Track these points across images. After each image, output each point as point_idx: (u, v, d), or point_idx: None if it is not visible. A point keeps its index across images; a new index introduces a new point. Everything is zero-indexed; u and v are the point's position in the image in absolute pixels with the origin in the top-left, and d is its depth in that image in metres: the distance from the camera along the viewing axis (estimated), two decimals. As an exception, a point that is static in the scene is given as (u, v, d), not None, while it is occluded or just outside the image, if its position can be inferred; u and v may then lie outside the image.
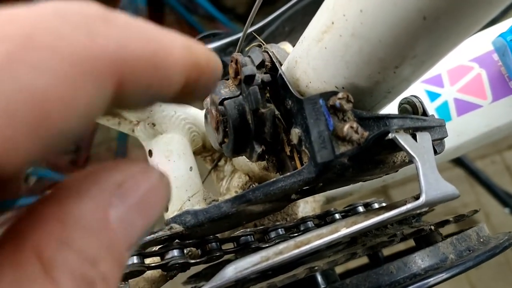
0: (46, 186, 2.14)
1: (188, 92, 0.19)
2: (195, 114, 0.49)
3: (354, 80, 0.31)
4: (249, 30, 0.57)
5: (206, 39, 0.58)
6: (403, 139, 0.31)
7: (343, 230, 0.31)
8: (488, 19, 0.26)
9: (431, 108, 0.55)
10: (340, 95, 0.31)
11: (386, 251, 0.49)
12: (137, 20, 0.18)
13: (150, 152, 0.48)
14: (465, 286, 1.74)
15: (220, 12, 2.12)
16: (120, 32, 0.16)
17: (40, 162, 0.15)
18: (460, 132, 0.54)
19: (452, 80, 0.54)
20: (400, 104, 0.40)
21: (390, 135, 0.31)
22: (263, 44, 0.43)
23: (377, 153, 0.34)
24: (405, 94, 0.41)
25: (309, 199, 0.52)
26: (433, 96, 0.55)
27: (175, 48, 0.18)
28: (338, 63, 0.31)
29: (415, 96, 0.39)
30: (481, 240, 0.40)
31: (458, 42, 0.28)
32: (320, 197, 0.54)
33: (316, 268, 0.32)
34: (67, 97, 0.14)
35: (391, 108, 0.41)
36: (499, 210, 1.82)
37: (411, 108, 0.38)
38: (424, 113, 0.38)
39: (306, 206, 0.52)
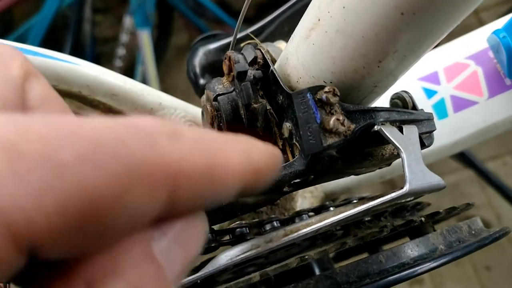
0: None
1: (244, 193, 0.20)
2: (195, 111, 0.51)
3: (341, 74, 0.33)
4: (249, 30, 0.58)
5: (207, 40, 0.60)
6: (389, 131, 0.32)
7: (330, 218, 0.32)
8: (464, 15, 0.27)
9: (428, 105, 0.55)
10: (326, 89, 0.32)
11: (387, 246, 0.50)
12: (203, 132, 0.19)
13: (151, 149, 0.49)
14: (476, 287, 1.73)
15: (228, 15, 2.14)
16: (182, 145, 0.17)
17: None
18: (457, 129, 0.55)
19: (448, 77, 0.55)
20: (391, 99, 0.40)
21: (376, 127, 0.32)
22: (259, 43, 0.44)
23: (365, 146, 0.35)
24: (398, 89, 0.42)
25: (307, 194, 0.54)
26: (430, 93, 0.56)
27: (235, 158, 0.19)
28: (325, 58, 0.32)
29: (406, 92, 0.39)
30: (473, 232, 0.40)
31: (437, 37, 0.29)
32: (318, 192, 0.55)
33: (306, 257, 0.34)
34: (119, 198, 0.15)
35: (384, 104, 0.42)
36: (511, 212, 1.81)
37: (401, 103, 0.39)
38: (414, 107, 0.39)
39: (304, 202, 0.53)
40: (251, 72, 0.37)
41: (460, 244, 0.38)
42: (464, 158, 1.61)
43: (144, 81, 2.00)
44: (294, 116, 0.33)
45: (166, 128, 0.18)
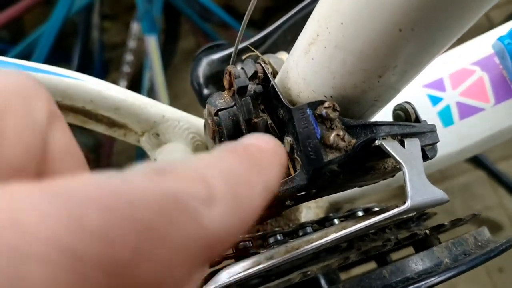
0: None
1: None
2: (198, 123, 0.51)
3: (341, 89, 0.32)
4: (251, 41, 0.58)
5: (210, 50, 0.60)
6: (390, 146, 0.32)
7: (332, 235, 0.31)
8: (464, 29, 0.27)
9: (433, 112, 0.55)
10: (326, 104, 0.32)
11: (396, 255, 0.49)
12: (229, 176, 0.20)
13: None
14: (490, 290, 1.71)
15: (235, 19, 2.15)
16: (218, 212, 0.18)
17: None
18: (463, 136, 0.54)
19: (454, 84, 0.55)
20: (394, 110, 0.40)
21: (377, 142, 0.32)
22: (260, 56, 0.44)
23: (367, 160, 0.34)
24: (400, 100, 0.42)
25: (312, 204, 0.53)
26: (435, 100, 0.55)
27: (259, 197, 0.21)
28: (325, 73, 0.32)
29: (408, 103, 0.39)
30: (479, 244, 0.40)
31: (437, 51, 0.29)
32: (323, 202, 0.55)
33: (309, 273, 0.33)
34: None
35: (387, 115, 0.41)
36: (523, 213, 1.79)
37: (404, 115, 0.39)
38: (417, 119, 0.38)
39: (309, 212, 0.52)
40: (252, 87, 0.37)
41: (466, 257, 0.37)
42: (475, 159, 1.60)
43: (152, 86, 2.01)
44: (295, 131, 0.33)
45: (201, 192, 0.18)
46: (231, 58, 0.40)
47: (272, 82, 0.36)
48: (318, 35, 0.31)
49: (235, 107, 0.37)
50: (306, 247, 0.31)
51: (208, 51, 0.61)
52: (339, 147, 0.31)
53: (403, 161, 0.32)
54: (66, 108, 0.45)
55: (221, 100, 0.38)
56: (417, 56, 0.29)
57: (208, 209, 0.18)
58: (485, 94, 0.53)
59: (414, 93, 0.56)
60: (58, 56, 2.38)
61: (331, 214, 0.45)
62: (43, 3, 2.09)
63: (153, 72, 1.96)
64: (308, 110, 0.32)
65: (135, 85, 2.22)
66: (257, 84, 0.37)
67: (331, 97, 0.33)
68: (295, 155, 0.34)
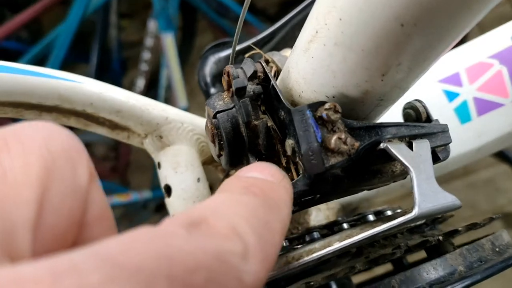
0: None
1: None
2: (203, 124, 0.49)
3: (343, 89, 0.30)
4: (260, 37, 0.56)
5: (217, 48, 0.58)
6: (397, 149, 0.30)
7: (334, 245, 0.30)
8: (471, 24, 0.25)
9: (449, 108, 0.52)
10: (326, 105, 0.30)
11: (414, 257, 0.47)
12: (259, 233, 0.22)
13: (159, 165, 0.48)
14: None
15: (251, 14, 2.13)
16: (254, 267, 0.20)
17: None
18: (481, 133, 0.51)
19: (471, 78, 0.52)
20: (404, 109, 0.38)
21: (382, 145, 0.30)
22: (262, 54, 0.42)
23: (372, 163, 0.32)
24: (413, 97, 0.39)
25: (322, 206, 0.51)
26: (451, 95, 0.52)
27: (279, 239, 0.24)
28: (325, 72, 0.30)
29: (419, 101, 0.37)
30: (497, 249, 0.37)
31: (443, 48, 0.27)
32: (334, 204, 0.53)
33: (312, 283, 0.32)
34: None
35: (397, 114, 0.39)
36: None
37: (414, 113, 0.37)
38: (428, 118, 0.36)
39: (319, 214, 0.51)
40: (251, 87, 0.35)
41: (482, 264, 0.35)
42: (499, 152, 1.55)
43: (170, 83, 2.00)
44: (296, 134, 0.31)
45: (238, 247, 0.19)
46: (230, 58, 0.38)
47: (272, 82, 0.35)
48: (317, 32, 0.29)
49: (234, 109, 0.36)
50: (306, 258, 0.30)
51: (215, 49, 0.59)
52: (341, 151, 0.30)
53: (411, 165, 0.30)
54: (66, 111, 0.44)
55: (220, 101, 0.36)
56: (422, 52, 0.27)
57: (245, 264, 0.19)
58: (504, 89, 0.50)
59: (429, 88, 0.53)
60: (76, 55, 2.41)
61: (339, 218, 0.43)
62: (60, 3, 2.10)
63: (170, 70, 1.96)
64: (308, 112, 0.30)
65: (153, 82, 2.23)
66: (257, 84, 0.35)
67: (333, 97, 0.31)
68: (297, 159, 0.32)
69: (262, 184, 0.27)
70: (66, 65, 2.28)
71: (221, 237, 0.19)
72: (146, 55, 2.16)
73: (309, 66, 0.31)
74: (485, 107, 0.51)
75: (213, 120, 0.36)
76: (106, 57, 2.33)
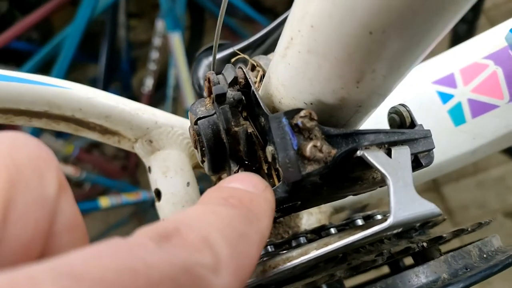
0: (100, 191, 2.24)
1: None
2: (193, 129, 0.49)
3: (320, 96, 0.30)
4: (251, 40, 0.56)
5: (211, 51, 0.58)
6: (374, 156, 0.30)
7: (311, 253, 0.29)
8: (443, 31, 0.24)
9: (443, 110, 0.52)
10: (302, 113, 0.29)
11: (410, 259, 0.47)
12: (233, 243, 0.22)
13: (149, 169, 0.48)
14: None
15: (259, 13, 2.12)
16: (225, 281, 0.20)
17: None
18: (476, 135, 0.50)
19: (465, 79, 0.51)
20: (389, 113, 0.37)
21: (358, 153, 0.30)
22: (248, 58, 0.42)
23: (352, 170, 0.32)
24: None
25: (314, 210, 0.51)
26: (445, 97, 0.52)
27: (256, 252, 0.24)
28: (302, 79, 0.30)
29: (403, 105, 0.36)
30: (484, 256, 0.37)
31: (418, 54, 0.26)
32: (326, 207, 0.53)
33: (292, 291, 0.32)
34: None
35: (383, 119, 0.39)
36: None
37: (398, 118, 0.36)
38: (412, 123, 0.36)
39: (311, 218, 0.50)
40: (231, 94, 0.35)
41: (467, 272, 0.34)
42: (509, 150, 1.53)
43: (177, 83, 2.01)
44: (274, 140, 0.31)
45: (209, 259, 0.19)
46: (211, 64, 0.38)
47: (252, 88, 0.34)
48: (291, 39, 0.29)
49: (215, 115, 0.35)
50: (281, 266, 0.29)
51: (209, 52, 0.59)
52: (317, 159, 0.29)
53: (388, 172, 0.29)
54: (56, 117, 0.45)
55: (202, 107, 0.36)
56: (395, 59, 0.26)
57: (215, 277, 0.19)
58: (499, 90, 0.49)
59: (422, 90, 0.53)
60: (86, 55, 2.43)
61: (327, 224, 0.43)
62: (70, 3, 2.12)
63: (177, 69, 1.96)
64: (284, 120, 0.30)
65: (161, 82, 2.24)
66: (238, 90, 0.35)
67: (311, 104, 0.31)
68: (277, 166, 0.32)
69: (242, 194, 0.27)
70: (76, 66, 2.30)
71: (191, 248, 0.19)
72: (154, 54, 2.17)
73: (287, 73, 0.31)
74: (479, 108, 0.50)
75: (195, 127, 0.36)
76: (115, 57, 2.35)
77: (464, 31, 1.41)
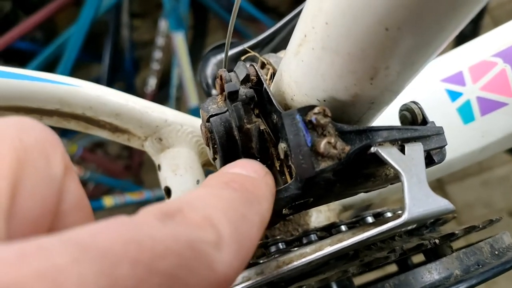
0: (104, 191, 2.25)
1: None
2: (202, 127, 0.50)
3: (333, 92, 0.30)
4: (260, 38, 0.56)
5: (218, 49, 0.58)
6: (387, 152, 0.30)
7: (325, 250, 0.29)
8: (458, 27, 0.24)
9: (452, 108, 0.52)
10: (316, 110, 0.29)
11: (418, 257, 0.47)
12: (233, 219, 0.22)
13: (159, 167, 0.49)
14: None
15: (263, 13, 2.12)
16: (228, 256, 0.20)
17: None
18: (484, 133, 0.50)
19: (474, 77, 0.51)
20: (400, 110, 0.38)
21: (372, 149, 0.30)
22: (258, 56, 0.42)
23: (365, 167, 0.32)
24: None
25: (323, 208, 0.51)
26: (454, 95, 0.52)
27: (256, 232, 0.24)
28: (315, 76, 0.30)
29: (415, 102, 0.36)
30: (496, 252, 0.37)
31: (432, 51, 0.26)
32: (335, 205, 0.53)
33: (304, 287, 0.32)
34: None
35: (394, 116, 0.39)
36: None
37: (410, 115, 0.36)
38: (424, 120, 0.36)
39: (320, 216, 0.50)
40: (244, 91, 0.35)
41: (479, 268, 0.34)
42: (514, 150, 1.53)
43: (181, 82, 2.01)
44: (287, 137, 0.31)
45: (211, 236, 0.20)
46: (223, 61, 0.38)
47: (265, 85, 0.34)
48: (305, 36, 0.29)
49: (227, 112, 0.36)
50: (295, 262, 0.30)
51: (216, 50, 0.59)
52: (331, 155, 0.29)
53: (402, 169, 0.29)
54: (67, 115, 0.45)
55: (214, 105, 0.36)
56: (410, 56, 0.26)
57: (218, 253, 0.19)
58: (508, 88, 0.49)
59: (431, 88, 0.53)
60: (89, 55, 2.43)
61: (338, 221, 0.43)
62: (74, 3, 2.13)
63: (181, 69, 1.97)
64: (297, 116, 0.30)
65: (165, 82, 2.24)
66: (250, 87, 0.35)
67: (324, 100, 0.31)
68: (290, 162, 0.32)
69: (243, 179, 0.28)
70: (79, 65, 2.30)
71: (194, 226, 0.20)
72: (158, 54, 2.18)
73: (300, 70, 0.31)
74: (488, 106, 0.50)
75: (207, 124, 0.36)
76: (119, 57, 2.35)
77: (469, 30, 1.41)
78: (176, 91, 2.09)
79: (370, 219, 0.43)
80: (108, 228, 0.17)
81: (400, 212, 0.45)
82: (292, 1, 2.41)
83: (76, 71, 2.06)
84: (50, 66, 1.96)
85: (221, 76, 0.35)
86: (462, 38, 0.57)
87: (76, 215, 0.23)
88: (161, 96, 2.25)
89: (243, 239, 0.22)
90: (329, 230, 0.42)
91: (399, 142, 0.31)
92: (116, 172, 2.25)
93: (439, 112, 0.52)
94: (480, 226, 0.38)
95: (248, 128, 0.34)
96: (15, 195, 0.20)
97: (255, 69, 0.36)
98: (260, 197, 0.26)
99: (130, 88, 2.45)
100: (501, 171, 1.86)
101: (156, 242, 0.17)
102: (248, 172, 0.29)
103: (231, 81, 0.35)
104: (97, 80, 2.34)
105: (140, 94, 2.39)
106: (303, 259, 0.29)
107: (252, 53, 0.45)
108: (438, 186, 1.95)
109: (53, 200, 0.22)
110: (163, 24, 2.10)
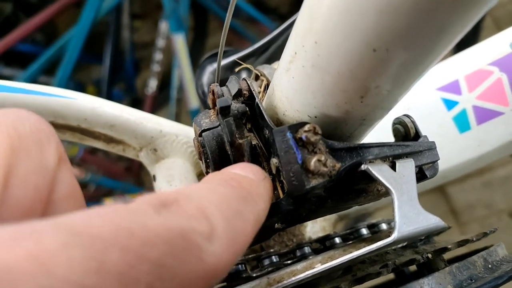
0: (105, 192, 2.25)
1: None
2: (197, 137, 0.50)
3: (324, 109, 0.30)
4: (255, 47, 0.56)
5: (215, 57, 0.58)
6: (378, 170, 0.30)
7: (315, 268, 0.29)
8: (446, 50, 0.24)
9: (448, 117, 0.51)
10: (306, 127, 0.29)
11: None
12: (227, 211, 0.23)
13: (154, 177, 0.49)
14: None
15: (263, 14, 2.12)
16: (219, 248, 0.20)
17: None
18: (480, 142, 0.50)
19: (470, 86, 0.51)
20: (393, 124, 0.37)
21: (363, 167, 0.30)
22: (252, 68, 0.42)
23: (356, 183, 0.32)
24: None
25: (318, 218, 0.51)
26: (450, 104, 0.52)
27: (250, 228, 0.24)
28: (305, 93, 0.30)
29: (407, 116, 0.36)
30: (489, 266, 0.37)
31: (421, 70, 0.26)
32: (331, 215, 0.53)
33: (297, 303, 0.32)
34: None
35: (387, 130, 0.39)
36: None
37: (403, 129, 0.36)
38: (417, 133, 0.36)
39: (315, 226, 0.50)
40: (235, 106, 0.35)
41: (472, 283, 0.34)
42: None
43: (181, 84, 2.01)
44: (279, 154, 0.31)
45: (204, 228, 0.20)
46: (216, 73, 0.38)
47: (257, 100, 0.34)
48: (295, 53, 0.29)
49: (220, 127, 0.35)
50: (285, 281, 0.30)
51: (213, 58, 0.59)
52: (321, 173, 0.29)
53: (392, 186, 0.29)
54: (61, 126, 0.45)
55: (206, 119, 0.36)
56: (400, 75, 0.26)
57: (209, 244, 0.19)
58: (504, 97, 0.49)
59: (427, 97, 0.52)
60: (90, 56, 2.43)
61: (331, 232, 0.43)
62: (74, 5, 2.13)
63: (181, 70, 1.96)
64: (288, 134, 0.30)
65: (165, 83, 2.24)
66: (242, 102, 0.35)
67: (316, 117, 0.31)
68: (282, 178, 0.32)
69: (242, 178, 0.28)
70: (80, 67, 2.31)
71: (188, 216, 0.20)
72: (158, 56, 2.17)
73: (291, 86, 0.31)
74: (484, 115, 0.50)
75: (199, 138, 0.36)
76: (119, 58, 2.35)
77: (469, 32, 1.40)
78: (177, 93, 2.09)
79: (364, 231, 0.42)
80: (100, 215, 0.17)
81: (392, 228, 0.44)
82: (293, 2, 2.40)
83: (76, 73, 2.07)
84: (51, 68, 1.97)
85: (213, 91, 0.35)
86: (463, 41, 0.57)
87: (68, 205, 0.24)
88: (161, 97, 2.25)
89: (236, 235, 0.22)
90: (323, 242, 0.42)
91: (390, 158, 0.31)
92: (117, 174, 2.25)
93: (435, 121, 0.52)
94: (474, 239, 0.38)
95: (240, 143, 0.34)
96: (8, 181, 0.20)
97: (247, 83, 0.36)
98: (256, 197, 0.27)
99: (131, 90, 2.45)
100: (502, 172, 1.85)
101: (147, 230, 0.18)
102: (247, 173, 0.29)
103: (223, 95, 0.35)
104: (98, 82, 2.34)
105: (141, 95, 2.39)
106: (293, 278, 0.29)
107: (245, 65, 0.45)
108: (439, 187, 1.95)
109: (45, 188, 0.22)
110: (163, 26, 2.10)
